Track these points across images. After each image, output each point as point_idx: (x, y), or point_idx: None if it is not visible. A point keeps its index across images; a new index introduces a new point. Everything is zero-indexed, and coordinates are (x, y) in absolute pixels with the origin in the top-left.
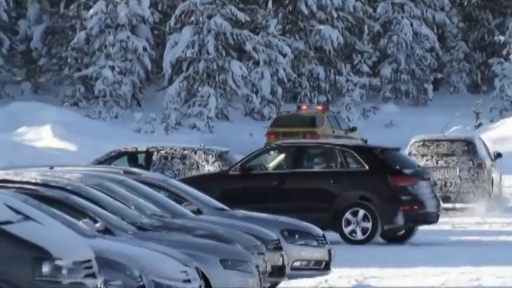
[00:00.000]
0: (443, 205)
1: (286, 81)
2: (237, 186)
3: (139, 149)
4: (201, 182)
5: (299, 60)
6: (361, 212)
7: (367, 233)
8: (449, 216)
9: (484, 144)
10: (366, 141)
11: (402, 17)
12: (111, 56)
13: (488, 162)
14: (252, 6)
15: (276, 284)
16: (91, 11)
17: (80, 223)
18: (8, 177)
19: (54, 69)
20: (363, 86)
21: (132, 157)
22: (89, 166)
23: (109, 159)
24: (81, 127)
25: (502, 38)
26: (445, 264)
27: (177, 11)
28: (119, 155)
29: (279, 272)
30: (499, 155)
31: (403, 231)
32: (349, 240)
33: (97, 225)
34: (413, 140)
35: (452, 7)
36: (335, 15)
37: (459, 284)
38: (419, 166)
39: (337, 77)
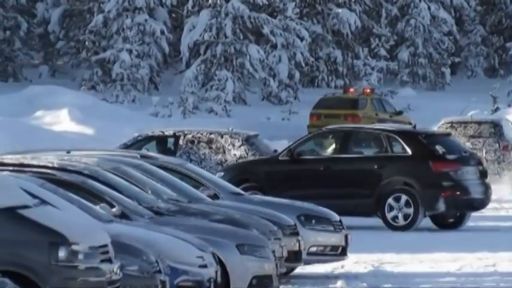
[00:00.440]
0: None
1: (303, 65)
2: (285, 171)
3: (166, 133)
4: (251, 168)
5: (317, 43)
6: (404, 198)
7: (409, 219)
8: None
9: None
10: (414, 126)
11: (420, 1)
12: (128, 39)
13: None
14: None
15: (292, 269)
16: None
17: (97, 208)
18: (25, 161)
19: (72, 53)
20: (380, 70)
21: (160, 141)
22: (108, 150)
23: (136, 143)
24: (99, 111)
25: None
26: (461, 249)
27: None
28: (146, 139)
29: (295, 257)
30: None
31: (453, 218)
32: (391, 226)
33: (113, 209)
34: (441, 121)
35: None
36: None
37: (475, 270)
38: (466, 152)
39: (354, 60)
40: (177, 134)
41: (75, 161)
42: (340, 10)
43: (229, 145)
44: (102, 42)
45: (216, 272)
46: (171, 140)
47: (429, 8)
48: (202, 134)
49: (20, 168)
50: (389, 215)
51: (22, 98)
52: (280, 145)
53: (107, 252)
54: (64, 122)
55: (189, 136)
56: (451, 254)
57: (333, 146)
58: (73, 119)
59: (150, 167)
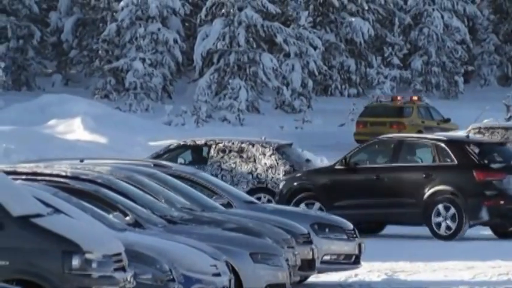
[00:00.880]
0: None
1: (316, 73)
2: (340, 180)
3: (197, 142)
4: (308, 177)
5: (330, 52)
6: (448, 207)
7: (454, 228)
8: None
9: None
10: (467, 135)
11: (433, 9)
12: (141, 48)
13: None
14: None
15: (306, 277)
16: (122, 3)
17: (110, 216)
18: (38, 170)
19: (85, 61)
20: (393, 79)
21: (195, 150)
22: (121, 159)
23: (168, 153)
24: (112, 119)
25: None
26: (474, 258)
27: (208, 3)
28: (177, 148)
29: (308, 265)
30: None
31: None
32: (438, 235)
33: (127, 218)
34: (470, 127)
35: None
36: (366, 7)
37: (489, 278)
38: None
39: (367, 69)
40: (208, 142)
41: (88, 169)
42: (353, 19)
43: (260, 154)
44: (115, 51)
45: (230, 280)
46: (205, 149)
47: (442, 17)
48: (233, 143)
49: (33, 177)
50: (435, 225)
51: (35, 106)
52: None
53: (121, 260)
54: (77, 131)
55: (220, 145)
56: (464, 262)
57: (385, 155)
58: (86, 128)
59: (163, 176)
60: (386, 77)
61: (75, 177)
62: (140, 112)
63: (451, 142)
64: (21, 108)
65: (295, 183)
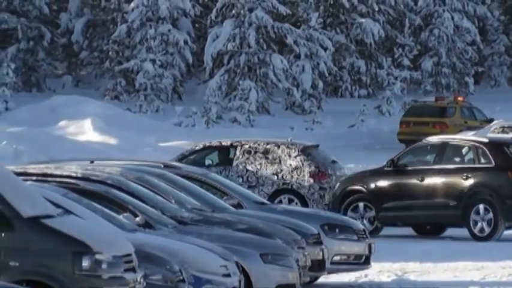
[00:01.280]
0: None
1: (327, 74)
2: (388, 182)
3: (223, 143)
4: (359, 179)
5: (340, 53)
6: (486, 209)
7: (490, 230)
8: None
9: None
10: None
11: (443, 10)
12: (152, 49)
13: None
14: (293, 0)
15: (316, 278)
16: (132, 4)
17: (120, 217)
18: (49, 171)
19: (95, 63)
20: (403, 80)
21: (222, 151)
22: (131, 160)
23: (194, 154)
24: (122, 121)
25: None
26: (485, 258)
27: (218, 4)
28: (203, 149)
29: (318, 266)
30: None
31: None
32: (476, 236)
33: (137, 219)
34: (493, 126)
35: (493, 0)
36: (376, 9)
37: (499, 279)
38: None
39: (378, 70)
40: (234, 144)
41: (99, 170)
42: (363, 20)
43: (285, 155)
44: (126, 52)
45: (240, 281)
46: (231, 151)
47: (452, 18)
48: (259, 145)
49: (43, 178)
50: (473, 227)
51: (45, 108)
52: None
53: (131, 261)
54: (87, 132)
55: (246, 146)
56: (474, 263)
57: (430, 157)
58: (96, 129)
59: (174, 177)
60: (396, 78)
61: (85, 178)
62: (150, 113)
63: (490, 144)
64: (32, 110)
65: (347, 186)
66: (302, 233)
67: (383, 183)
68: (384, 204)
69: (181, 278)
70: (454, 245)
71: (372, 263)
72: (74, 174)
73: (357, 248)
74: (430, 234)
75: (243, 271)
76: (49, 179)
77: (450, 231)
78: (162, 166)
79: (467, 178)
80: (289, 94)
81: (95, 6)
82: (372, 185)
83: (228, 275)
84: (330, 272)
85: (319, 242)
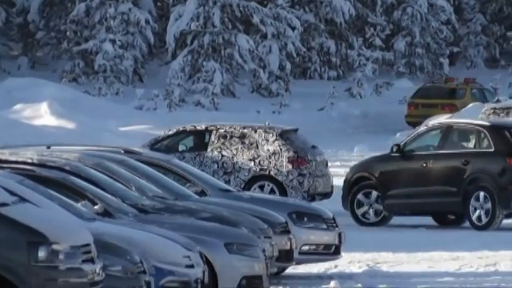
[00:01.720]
0: None
1: (295, 55)
2: (393, 168)
3: (197, 128)
4: (367, 165)
5: (309, 33)
6: (483, 196)
7: (488, 217)
8: None
9: None
10: None
11: None
12: (112, 29)
13: None
14: None
15: (284, 269)
16: None
17: (79, 205)
18: (3, 157)
19: (52, 43)
20: (375, 61)
21: (196, 136)
22: (90, 145)
23: (167, 138)
24: (80, 104)
25: None
26: (460, 248)
27: None
28: (177, 134)
29: (286, 256)
30: None
31: None
32: (474, 225)
33: (96, 207)
34: (484, 108)
35: None
36: None
37: (475, 269)
38: None
39: (348, 51)
40: (209, 128)
41: (56, 156)
42: None
43: (262, 140)
44: (84, 32)
45: (204, 272)
46: (206, 135)
47: None
48: (235, 129)
49: None
50: (472, 215)
51: (0, 90)
52: None
53: (89, 252)
54: (44, 116)
55: (222, 131)
56: (450, 253)
57: (435, 141)
58: (53, 113)
59: (134, 163)
60: (368, 59)
61: (41, 165)
62: (110, 96)
63: (492, 127)
64: None
65: (355, 172)
66: (269, 222)
67: (388, 169)
68: (389, 191)
69: (142, 269)
70: (429, 234)
71: (343, 253)
72: (29, 160)
73: (327, 237)
74: (451, 224)
75: (207, 262)
76: (3, 165)
77: (424, 220)
78: (122, 152)
79: (467, 164)
80: (256, 76)
81: None
82: (378, 172)
83: (191, 266)
84: (298, 262)
85: (286, 231)
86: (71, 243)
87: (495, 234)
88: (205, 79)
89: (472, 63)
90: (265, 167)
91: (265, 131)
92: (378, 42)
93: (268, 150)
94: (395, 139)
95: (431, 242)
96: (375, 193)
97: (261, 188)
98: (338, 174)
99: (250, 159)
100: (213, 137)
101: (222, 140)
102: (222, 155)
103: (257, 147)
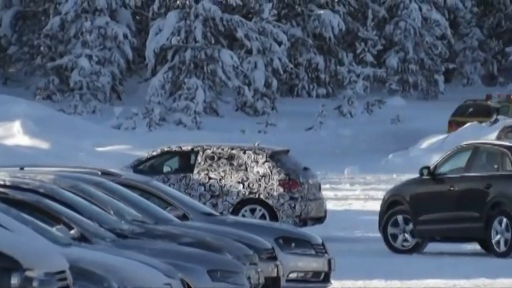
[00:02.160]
0: None
1: (281, 72)
2: (422, 192)
3: (183, 148)
4: (400, 189)
5: (296, 48)
6: (504, 221)
7: (508, 244)
8: None
9: None
10: None
11: (410, 1)
12: (88, 44)
13: None
14: None
15: None
16: None
17: (53, 230)
18: None
19: (25, 59)
20: (366, 78)
21: (181, 157)
22: (65, 166)
23: (150, 160)
24: (55, 123)
25: None
26: (457, 276)
27: None
28: (161, 154)
29: (273, 284)
30: None
31: None
32: (495, 252)
33: (72, 232)
34: (502, 125)
35: None
36: None
37: None
38: None
39: (338, 67)
40: (195, 149)
41: (29, 178)
42: (322, 11)
43: (252, 162)
44: (59, 47)
45: None
46: (192, 156)
47: (420, 9)
48: (223, 150)
49: None
50: (493, 240)
51: None
52: None
53: (65, 279)
54: (17, 135)
55: (209, 151)
56: (445, 280)
57: (463, 163)
58: (27, 132)
59: (112, 185)
60: (358, 76)
61: (14, 187)
62: (86, 115)
63: None
64: None
65: (390, 195)
66: (254, 248)
67: (418, 193)
68: (419, 216)
69: None
70: (423, 260)
71: (332, 281)
72: (1, 182)
73: (316, 264)
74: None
75: None
76: None
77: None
78: (100, 173)
79: (489, 187)
80: (240, 93)
81: None
82: (408, 196)
83: None
84: None
85: (273, 258)
86: (46, 269)
87: (493, 260)
88: (187, 97)
89: (469, 81)
90: (255, 190)
91: (254, 152)
92: (369, 58)
93: (258, 172)
94: (387, 160)
95: (425, 269)
96: (407, 218)
97: (252, 211)
98: (327, 197)
99: (238, 182)
100: (199, 158)
101: (209, 162)
102: (209, 177)
103: (246, 169)
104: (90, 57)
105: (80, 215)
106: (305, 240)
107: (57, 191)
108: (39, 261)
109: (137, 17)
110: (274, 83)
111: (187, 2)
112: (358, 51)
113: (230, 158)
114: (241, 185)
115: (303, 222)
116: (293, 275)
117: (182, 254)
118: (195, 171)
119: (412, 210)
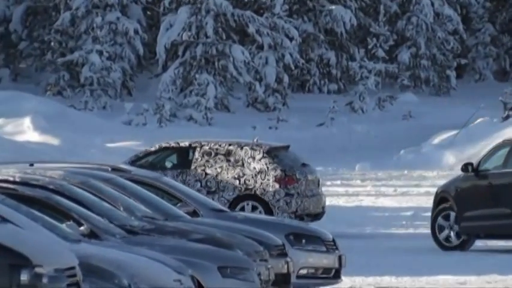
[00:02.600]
0: None
1: (293, 67)
2: (466, 189)
3: (181, 144)
4: (448, 186)
5: (307, 44)
6: None
7: None
8: None
9: None
10: None
11: None
12: (99, 39)
13: None
14: None
15: None
16: None
17: (63, 226)
18: None
19: (36, 54)
20: (378, 73)
21: (179, 153)
22: (75, 162)
23: (148, 156)
24: (65, 119)
25: None
26: (467, 272)
27: None
28: (159, 150)
29: (283, 280)
30: None
31: None
32: None
33: (82, 228)
34: None
35: None
36: None
37: None
38: None
39: (349, 62)
40: (192, 144)
41: (39, 174)
42: (333, 7)
43: (248, 158)
44: (70, 42)
45: None
46: (190, 152)
47: (432, 4)
48: (220, 145)
49: None
50: None
51: None
52: None
53: (74, 275)
54: (27, 132)
55: (206, 147)
56: (456, 277)
57: (503, 159)
58: (37, 128)
59: (123, 181)
60: (370, 71)
61: (24, 183)
62: (97, 110)
63: None
64: None
65: (439, 192)
66: (265, 244)
67: (462, 190)
68: (464, 213)
69: None
70: (433, 257)
71: (343, 277)
72: (11, 179)
73: (326, 260)
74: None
75: (199, 286)
76: None
77: (427, 242)
78: (110, 169)
79: None
80: (251, 89)
81: None
82: (454, 193)
83: None
84: (296, 287)
85: (283, 254)
86: (55, 266)
87: (504, 256)
88: (198, 92)
89: (481, 76)
90: (251, 186)
91: (251, 148)
92: (380, 53)
93: (255, 168)
94: (399, 156)
95: (436, 266)
96: (453, 215)
97: (248, 207)
98: (338, 194)
99: (235, 178)
100: (196, 154)
101: (206, 158)
102: (206, 173)
103: (243, 165)
104: (100, 52)
105: (89, 211)
106: (316, 236)
107: (67, 187)
108: (49, 257)
109: (148, 13)
110: (286, 78)
111: None
112: (369, 47)
113: (227, 154)
114: (238, 181)
115: (300, 218)
116: (303, 271)
117: (192, 250)
118: (192, 167)
119: (457, 207)
